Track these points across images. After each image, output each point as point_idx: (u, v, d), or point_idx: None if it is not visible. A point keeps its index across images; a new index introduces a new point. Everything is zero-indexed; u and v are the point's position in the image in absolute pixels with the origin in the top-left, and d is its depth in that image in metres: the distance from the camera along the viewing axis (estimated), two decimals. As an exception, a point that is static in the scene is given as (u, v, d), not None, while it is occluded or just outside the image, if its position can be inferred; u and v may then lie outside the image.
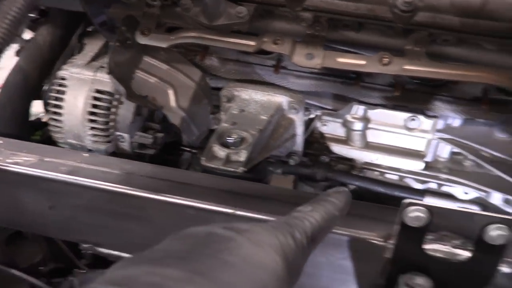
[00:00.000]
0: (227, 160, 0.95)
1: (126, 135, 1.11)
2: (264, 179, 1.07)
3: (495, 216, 0.62)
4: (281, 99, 1.14)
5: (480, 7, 0.74)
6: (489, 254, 0.64)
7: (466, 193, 1.30)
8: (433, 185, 1.32)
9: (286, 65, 1.09)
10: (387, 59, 0.80)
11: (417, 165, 1.26)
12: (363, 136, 1.26)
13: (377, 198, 1.44)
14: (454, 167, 1.29)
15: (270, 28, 0.91)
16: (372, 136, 1.26)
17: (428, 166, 1.28)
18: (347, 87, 1.09)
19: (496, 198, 1.23)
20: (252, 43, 0.87)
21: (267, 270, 0.34)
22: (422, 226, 0.65)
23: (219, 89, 1.26)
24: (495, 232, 0.62)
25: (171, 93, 1.12)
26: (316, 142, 1.35)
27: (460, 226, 0.65)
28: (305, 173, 1.33)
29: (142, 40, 0.95)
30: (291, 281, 0.37)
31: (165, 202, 0.73)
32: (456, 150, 1.24)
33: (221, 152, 0.96)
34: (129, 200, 0.75)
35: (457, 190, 1.31)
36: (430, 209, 0.64)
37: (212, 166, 0.94)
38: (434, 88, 1.04)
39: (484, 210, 1.29)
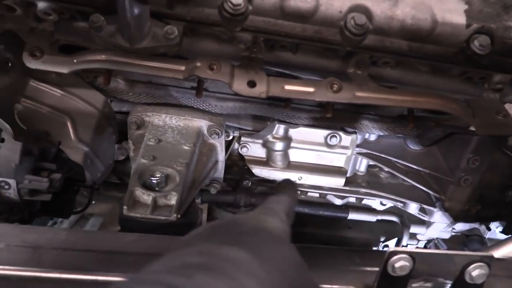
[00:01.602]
0: (155, 206, 0.79)
1: (11, 181, 0.87)
2: (197, 222, 0.93)
3: (475, 255, 0.59)
4: (200, 124, 1.01)
5: (430, 31, 0.71)
6: (469, 292, 0.62)
7: (383, 204, 1.33)
8: (352, 199, 1.32)
9: (207, 87, 0.97)
10: (337, 86, 0.74)
11: (339, 182, 1.23)
12: (285, 156, 1.19)
13: (298, 218, 1.40)
14: (371, 180, 1.30)
15: (198, 50, 0.78)
16: (294, 156, 1.20)
17: (347, 181, 1.27)
18: (274, 109, 1.00)
19: (412, 207, 1.27)
20: (181, 67, 0.73)
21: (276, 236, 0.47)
22: (406, 274, 0.60)
23: (122, 113, 1.08)
24: (475, 272, 0.60)
25: (69, 124, 0.91)
26: (235, 165, 1.24)
27: (441, 268, 0.61)
28: (228, 200, 1.22)
29: (32, 64, 0.73)
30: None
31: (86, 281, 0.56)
32: (372, 163, 1.25)
33: (145, 196, 0.80)
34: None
35: (374, 202, 1.33)
36: (412, 255, 0.59)
37: (137, 215, 0.78)
38: (361, 107, 1.02)
39: (400, 220, 1.34)
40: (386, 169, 1.24)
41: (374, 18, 0.70)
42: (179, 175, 0.86)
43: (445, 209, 1.19)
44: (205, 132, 1.02)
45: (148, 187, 0.83)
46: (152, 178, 0.83)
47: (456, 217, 1.21)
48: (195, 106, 1.01)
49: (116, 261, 0.61)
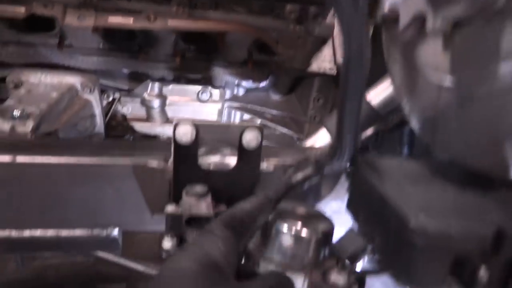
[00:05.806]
0: (12, 132, 0.93)
1: None
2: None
3: (248, 125, 0.75)
4: (73, 80, 1.16)
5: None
6: (250, 158, 0.77)
7: (259, 152, 1.49)
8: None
9: (71, 43, 1.12)
10: (153, 17, 0.91)
11: (214, 133, 1.40)
12: (163, 112, 1.35)
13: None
14: (246, 131, 1.47)
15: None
16: (171, 111, 1.36)
17: (224, 133, 1.43)
18: (135, 61, 1.17)
19: (281, 151, 1.45)
20: (21, 8, 0.89)
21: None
22: (191, 142, 0.74)
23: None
24: (249, 137, 0.75)
25: None
26: (120, 125, 1.39)
27: (222, 137, 0.76)
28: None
29: None
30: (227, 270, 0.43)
31: None
32: (245, 116, 1.43)
33: (5, 125, 0.94)
34: None
35: (251, 151, 1.50)
36: (196, 126, 0.74)
37: (-5, 138, 0.91)
38: (210, 55, 1.19)
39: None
40: (257, 119, 1.42)
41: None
42: (40, 110, 1.00)
43: (304, 146, 1.37)
44: (79, 87, 1.17)
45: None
46: (14, 113, 0.97)
47: (316, 154, 1.39)
48: (66, 63, 1.16)
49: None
